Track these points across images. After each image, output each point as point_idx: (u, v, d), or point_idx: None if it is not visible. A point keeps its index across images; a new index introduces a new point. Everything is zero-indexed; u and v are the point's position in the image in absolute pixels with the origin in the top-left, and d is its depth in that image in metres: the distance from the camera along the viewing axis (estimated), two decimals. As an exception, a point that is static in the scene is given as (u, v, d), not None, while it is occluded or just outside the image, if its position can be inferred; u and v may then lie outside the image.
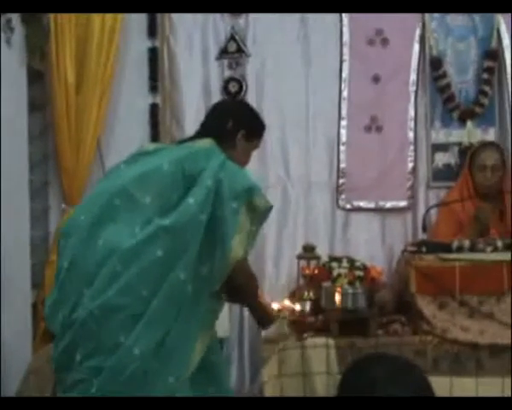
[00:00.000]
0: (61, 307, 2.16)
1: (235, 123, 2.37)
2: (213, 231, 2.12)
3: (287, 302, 3.10)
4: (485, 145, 3.72)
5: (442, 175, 3.91)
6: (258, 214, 2.19)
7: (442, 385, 2.84)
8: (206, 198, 2.11)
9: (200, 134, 2.38)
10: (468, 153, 3.76)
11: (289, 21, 3.87)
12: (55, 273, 2.25)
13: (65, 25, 3.62)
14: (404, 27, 3.90)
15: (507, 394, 2.90)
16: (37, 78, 3.70)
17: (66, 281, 2.17)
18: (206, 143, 2.29)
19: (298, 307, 3.06)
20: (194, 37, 3.93)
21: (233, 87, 3.90)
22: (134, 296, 2.07)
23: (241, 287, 2.24)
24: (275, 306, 2.69)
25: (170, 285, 2.08)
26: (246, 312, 3.85)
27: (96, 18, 3.66)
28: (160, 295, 2.07)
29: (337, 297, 3.11)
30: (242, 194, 2.14)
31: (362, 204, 3.92)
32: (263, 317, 2.41)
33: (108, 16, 3.68)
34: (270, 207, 2.23)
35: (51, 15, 3.58)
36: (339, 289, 3.16)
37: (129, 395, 2.04)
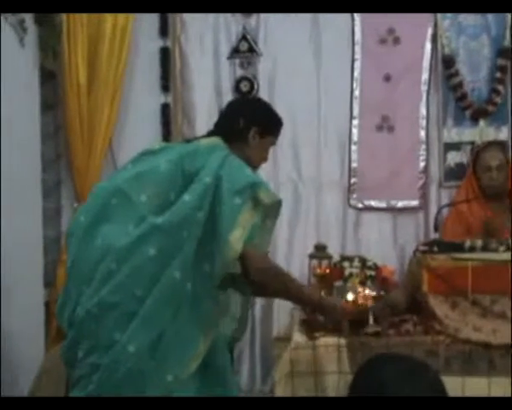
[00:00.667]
0: (66, 306, 2.21)
1: (247, 121, 2.35)
2: (213, 228, 2.10)
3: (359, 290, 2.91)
4: (488, 145, 3.69)
5: (454, 174, 3.89)
6: (267, 209, 2.16)
7: (454, 385, 2.82)
8: (204, 195, 2.10)
9: (212, 134, 2.38)
10: (472, 153, 3.74)
11: (301, 21, 3.87)
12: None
13: (77, 25, 3.64)
14: (416, 26, 3.89)
15: (519, 394, 2.89)
16: (50, 78, 3.72)
17: (69, 280, 2.22)
18: (211, 140, 2.29)
19: (368, 291, 2.79)
20: (205, 36, 3.93)
21: (244, 86, 3.91)
22: (126, 295, 2.08)
23: (260, 284, 2.18)
24: (349, 297, 2.57)
25: (164, 284, 2.08)
26: (257, 311, 3.87)
27: (108, 18, 3.68)
28: (154, 293, 2.07)
29: (349, 296, 3.10)
30: (245, 190, 2.12)
31: (373, 203, 3.91)
32: (323, 312, 2.39)
33: (120, 16, 3.70)
34: (279, 201, 2.20)
35: (64, 15, 3.60)
36: (351, 285, 3.16)
37: (126, 393, 2.06)
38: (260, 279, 2.17)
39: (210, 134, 2.38)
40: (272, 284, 2.21)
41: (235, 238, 2.08)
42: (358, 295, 2.81)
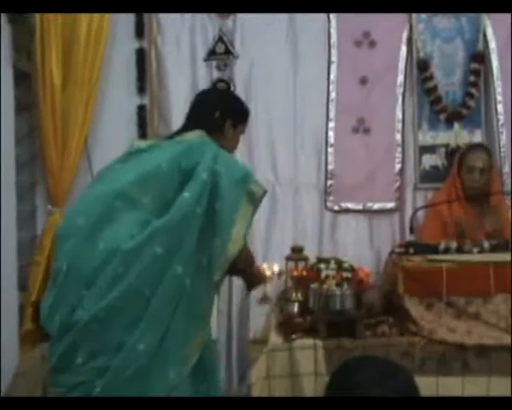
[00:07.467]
0: (58, 310, 2.15)
1: (222, 113, 2.45)
2: (212, 223, 2.15)
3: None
4: (473, 147, 3.74)
5: (429, 177, 3.93)
6: (256, 200, 2.25)
7: (428, 385, 2.86)
8: (202, 191, 2.15)
9: (187, 127, 2.42)
10: (457, 154, 3.78)
11: (277, 23, 3.88)
12: (53, 276, 2.22)
13: (51, 25, 3.60)
14: (392, 29, 3.92)
15: (492, 393, 2.92)
16: (24, 78, 3.68)
17: (64, 284, 2.16)
18: (197, 135, 2.33)
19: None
20: (181, 38, 3.93)
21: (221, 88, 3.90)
22: (136, 297, 2.09)
23: (240, 271, 2.37)
24: (265, 266, 2.68)
25: (168, 281, 2.11)
26: (234, 313, 3.86)
27: (83, 18, 3.65)
28: (160, 291, 2.10)
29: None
30: (241, 182, 2.21)
31: (350, 205, 3.93)
32: (252, 281, 2.49)
33: (95, 17, 3.67)
34: (266, 191, 2.30)
35: (37, 15, 3.56)
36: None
37: (131, 392, 2.06)
38: (243, 267, 2.35)
39: (187, 127, 2.42)
40: (248, 268, 2.40)
41: (237, 232, 2.16)
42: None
